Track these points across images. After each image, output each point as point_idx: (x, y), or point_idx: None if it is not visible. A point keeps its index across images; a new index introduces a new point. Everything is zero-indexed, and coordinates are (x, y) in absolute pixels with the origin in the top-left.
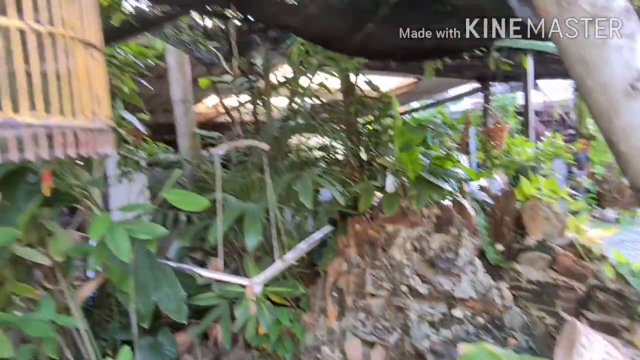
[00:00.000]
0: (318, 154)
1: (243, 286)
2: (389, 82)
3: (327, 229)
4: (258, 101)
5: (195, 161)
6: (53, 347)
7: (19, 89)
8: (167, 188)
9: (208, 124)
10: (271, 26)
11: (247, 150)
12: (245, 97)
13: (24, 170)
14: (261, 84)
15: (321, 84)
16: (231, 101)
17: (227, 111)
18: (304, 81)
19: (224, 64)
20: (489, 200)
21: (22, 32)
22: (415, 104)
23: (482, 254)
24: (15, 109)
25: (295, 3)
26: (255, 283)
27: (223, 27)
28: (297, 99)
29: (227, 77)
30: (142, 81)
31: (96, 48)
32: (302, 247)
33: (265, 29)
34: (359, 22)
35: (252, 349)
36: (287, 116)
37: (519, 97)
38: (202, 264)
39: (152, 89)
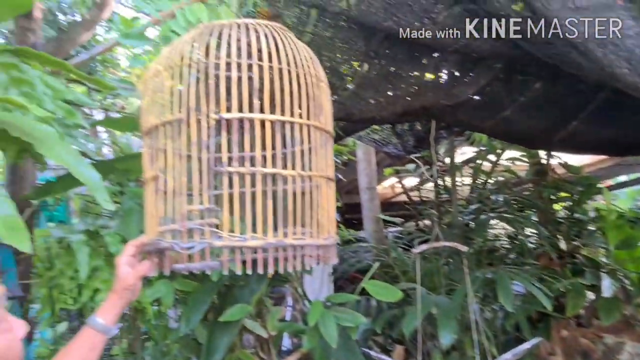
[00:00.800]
0: (504, 239)
1: None
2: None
3: (535, 340)
4: (440, 186)
5: (381, 246)
6: None
7: (289, 219)
8: (366, 279)
9: (384, 203)
10: (463, 128)
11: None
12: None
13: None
14: (441, 167)
15: (508, 170)
16: (409, 181)
17: (407, 194)
18: (487, 165)
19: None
20: None
21: (292, 177)
22: (622, 177)
23: None
24: (285, 234)
25: (489, 104)
26: None
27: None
28: (482, 186)
29: (411, 166)
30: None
31: (332, 180)
32: (508, 358)
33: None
34: (562, 121)
35: None
36: (477, 209)
37: None
38: (384, 348)
39: (342, 178)
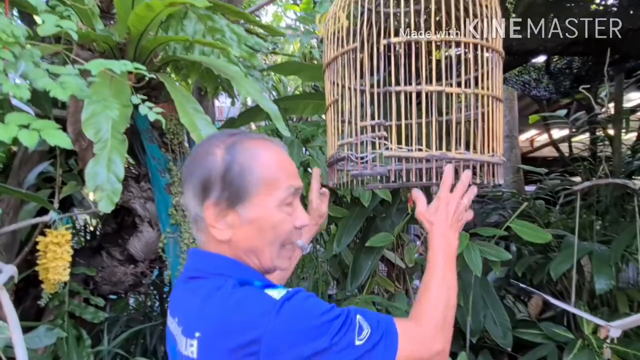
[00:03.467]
0: None
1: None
2: None
3: None
4: (600, 136)
5: (520, 195)
6: None
7: (452, 134)
8: (513, 219)
9: (522, 159)
10: None
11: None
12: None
13: (398, 193)
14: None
15: None
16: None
17: (555, 145)
18: None
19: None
20: None
21: (457, 95)
22: None
23: None
24: (448, 149)
25: None
26: (613, 326)
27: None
28: None
29: (562, 112)
30: None
31: (501, 100)
32: None
33: (622, 61)
34: None
35: None
36: None
37: None
38: (518, 298)
39: None
